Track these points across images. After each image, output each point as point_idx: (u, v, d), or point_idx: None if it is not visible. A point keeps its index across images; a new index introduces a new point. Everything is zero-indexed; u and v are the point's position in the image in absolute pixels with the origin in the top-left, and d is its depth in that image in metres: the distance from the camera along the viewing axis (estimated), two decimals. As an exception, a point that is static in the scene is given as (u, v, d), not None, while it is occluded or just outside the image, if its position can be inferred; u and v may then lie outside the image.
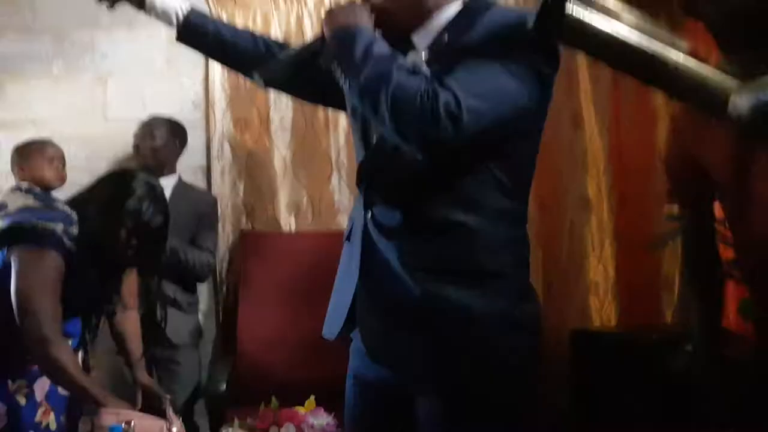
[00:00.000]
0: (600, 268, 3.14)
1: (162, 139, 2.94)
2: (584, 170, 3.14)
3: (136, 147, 2.96)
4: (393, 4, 1.29)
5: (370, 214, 1.30)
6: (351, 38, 1.20)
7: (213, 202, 3.04)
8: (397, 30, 1.30)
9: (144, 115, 3.09)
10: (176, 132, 2.99)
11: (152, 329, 2.19)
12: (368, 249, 1.29)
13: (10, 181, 3.04)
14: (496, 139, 1.22)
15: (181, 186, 2.96)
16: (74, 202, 2.09)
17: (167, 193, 2.80)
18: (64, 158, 2.34)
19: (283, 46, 1.51)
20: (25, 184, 2.21)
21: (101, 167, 3.09)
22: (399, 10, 1.29)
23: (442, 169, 1.24)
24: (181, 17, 1.52)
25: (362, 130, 1.36)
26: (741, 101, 0.83)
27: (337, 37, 1.23)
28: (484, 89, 1.16)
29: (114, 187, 2.03)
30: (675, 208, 3.04)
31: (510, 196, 1.27)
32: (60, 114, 3.15)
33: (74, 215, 2.00)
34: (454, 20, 1.28)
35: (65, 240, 1.93)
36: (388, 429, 1.34)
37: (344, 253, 1.39)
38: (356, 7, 1.26)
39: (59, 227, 1.93)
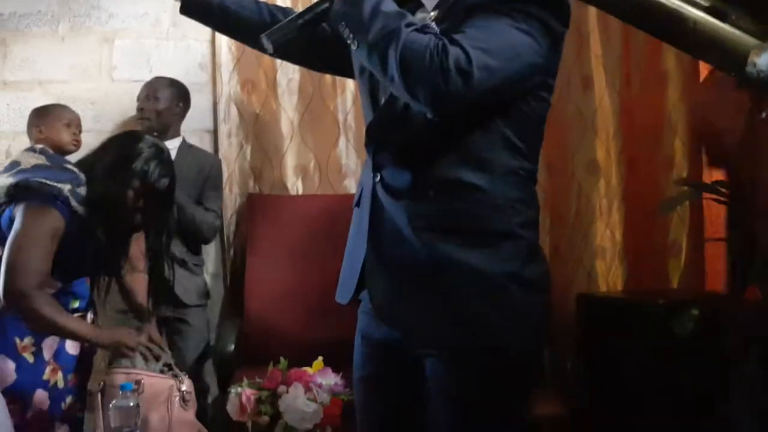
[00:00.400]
0: (607, 232, 3.14)
1: (166, 101, 2.91)
2: (593, 133, 3.12)
3: (140, 109, 2.93)
4: None
5: (378, 177, 1.29)
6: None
7: (218, 164, 3.01)
8: None
9: (150, 76, 3.06)
10: (180, 94, 2.96)
11: (161, 289, 2.20)
12: (377, 211, 1.29)
13: (17, 141, 3.05)
14: (506, 97, 1.21)
15: (185, 148, 2.95)
16: (82, 163, 2.09)
17: (172, 156, 2.81)
18: (80, 124, 2.34)
19: (287, 12, 1.48)
20: (39, 146, 2.20)
21: (108, 128, 3.10)
22: None
23: (451, 128, 1.23)
24: None
25: (370, 90, 1.35)
26: (760, 59, 0.82)
27: None
28: (495, 45, 1.14)
29: (121, 149, 2.04)
30: (683, 173, 3.04)
31: (519, 156, 1.26)
32: (66, 74, 3.13)
33: (82, 176, 2.01)
34: None
35: (72, 201, 1.93)
36: (396, 388, 1.34)
37: (354, 219, 1.39)
38: None
39: (66, 187, 1.94)
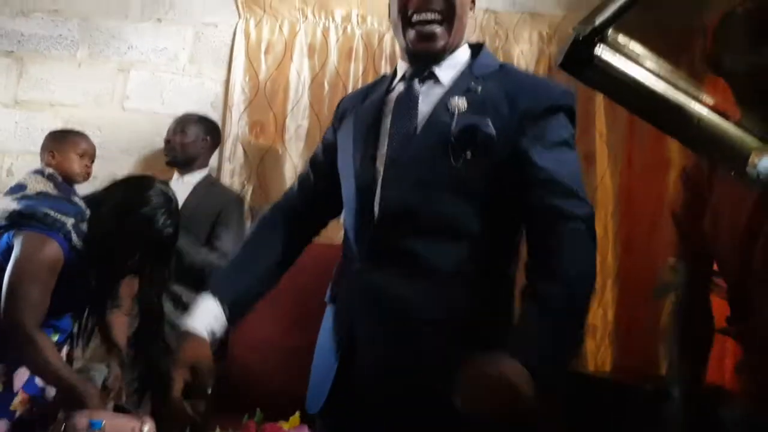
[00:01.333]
0: (599, 311, 3.12)
1: (192, 134, 2.93)
2: (592, 210, 3.13)
3: (167, 141, 2.93)
4: (458, 24, 1.40)
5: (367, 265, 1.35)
6: (557, 369, 1.22)
7: (235, 202, 2.95)
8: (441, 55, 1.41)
9: (161, 109, 3.11)
10: (207, 129, 2.98)
11: (147, 336, 2.17)
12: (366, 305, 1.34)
13: (20, 159, 3.06)
14: None
15: (207, 182, 2.94)
16: (90, 199, 2.07)
17: (188, 190, 2.82)
18: (94, 155, 2.34)
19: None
20: (49, 170, 2.19)
21: (113, 156, 3.12)
22: (456, 34, 1.42)
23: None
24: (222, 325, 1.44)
25: (363, 207, 1.38)
26: (761, 162, 0.83)
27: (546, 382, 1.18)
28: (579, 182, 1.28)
29: (130, 192, 2.02)
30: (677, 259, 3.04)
31: (500, 258, 1.34)
32: (78, 99, 3.17)
33: (88, 212, 1.99)
34: (475, 68, 1.39)
35: (73, 235, 1.92)
36: None
37: (327, 316, 1.44)
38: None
39: (70, 221, 1.92)
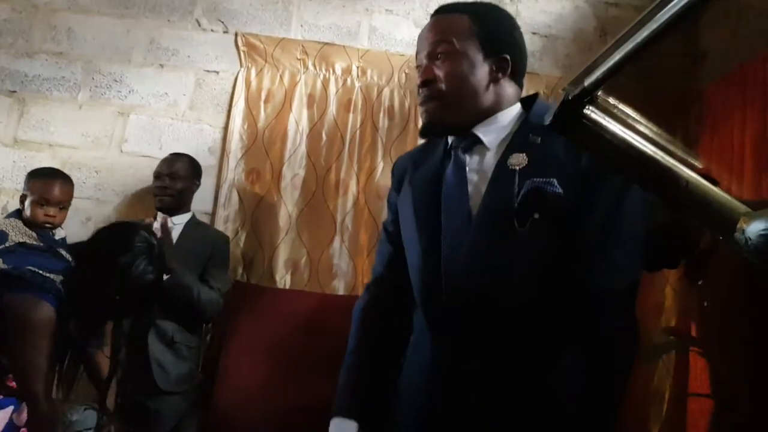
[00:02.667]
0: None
1: (186, 180, 2.93)
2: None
3: (162, 187, 2.88)
4: (452, 100, 1.33)
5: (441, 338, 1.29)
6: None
7: (223, 242, 2.95)
8: (455, 127, 1.35)
9: (160, 154, 3.11)
10: (197, 172, 3.00)
11: (137, 375, 2.14)
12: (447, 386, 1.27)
13: (16, 198, 3.06)
14: None
15: (193, 224, 2.93)
16: (74, 249, 2.07)
17: (179, 230, 2.81)
18: (62, 201, 2.25)
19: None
20: (26, 214, 2.19)
21: (108, 198, 3.12)
22: (458, 108, 1.34)
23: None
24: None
25: (431, 269, 1.31)
26: (750, 226, 0.83)
27: None
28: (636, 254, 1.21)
29: (112, 241, 2.02)
30: (672, 321, 3.02)
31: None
32: (77, 141, 3.19)
33: (72, 263, 1.99)
34: (532, 118, 1.33)
35: (62, 292, 1.93)
36: None
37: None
38: None
39: (59, 279, 1.94)
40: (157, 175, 2.92)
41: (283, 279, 3.17)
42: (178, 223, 2.88)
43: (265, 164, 3.23)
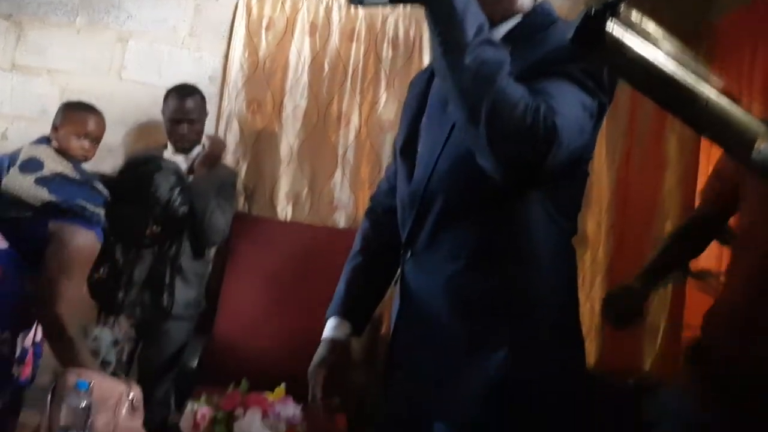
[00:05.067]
0: (587, 305, 3.13)
1: (202, 120, 2.90)
2: (587, 205, 3.14)
3: (177, 124, 2.82)
4: None
5: (409, 253, 1.27)
6: (463, 7, 1.03)
7: (233, 177, 2.95)
8: None
9: (159, 82, 3.08)
10: (205, 102, 2.95)
11: (153, 300, 2.19)
12: (406, 289, 1.27)
13: (15, 124, 3.04)
14: (558, 172, 1.11)
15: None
16: (105, 183, 2.10)
17: (189, 162, 2.81)
18: (99, 136, 2.28)
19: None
20: (55, 144, 2.19)
21: (109, 126, 3.07)
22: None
23: (501, 197, 1.17)
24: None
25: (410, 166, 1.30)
26: (765, 146, 0.82)
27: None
28: (570, 117, 1.05)
29: (143, 175, 2.06)
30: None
31: (558, 229, 1.22)
32: (75, 67, 3.14)
33: (108, 197, 2.03)
34: (515, 33, 1.21)
35: (106, 225, 1.98)
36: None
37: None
38: None
39: (103, 212, 1.98)
40: (175, 122, 2.84)
41: (284, 211, 3.18)
42: (190, 156, 2.87)
43: (266, 95, 3.19)
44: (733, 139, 0.83)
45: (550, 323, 1.19)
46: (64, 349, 1.93)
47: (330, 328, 1.42)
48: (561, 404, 1.19)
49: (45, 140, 2.19)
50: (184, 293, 2.74)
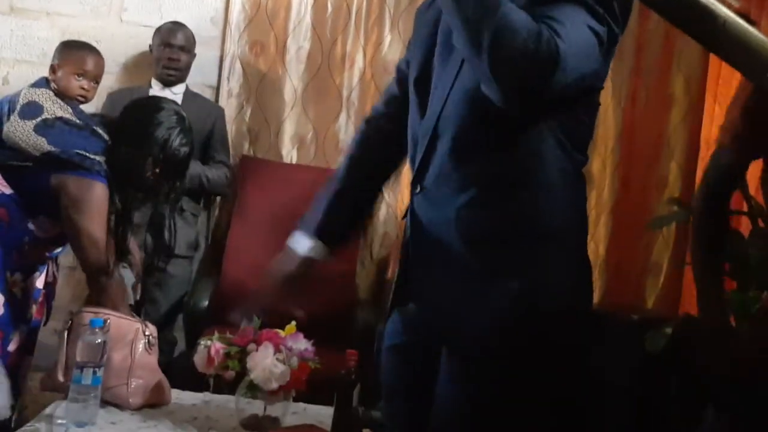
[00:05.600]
0: (591, 244, 3.15)
1: (191, 53, 2.93)
2: (591, 144, 3.12)
3: (172, 59, 2.87)
4: None
5: (418, 189, 1.26)
6: None
7: (221, 114, 3.00)
8: None
9: (160, 23, 3.04)
10: (194, 40, 2.97)
11: (160, 246, 2.21)
12: (417, 224, 1.26)
13: (16, 68, 3.01)
14: (566, 99, 1.12)
15: (189, 96, 2.93)
16: (105, 125, 2.08)
17: (178, 101, 2.79)
18: (98, 76, 2.25)
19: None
20: (53, 85, 2.16)
21: (110, 69, 3.05)
22: None
23: (512, 128, 1.17)
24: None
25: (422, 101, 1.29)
26: (782, 70, 0.82)
27: None
28: (576, 41, 1.04)
29: (143, 116, 2.04)
30: (675, 195, 3.06)
31: (568, 159, 1.20)
32: (75, 9, 3.10)
33: (109, 142, 2.02)
34: None
35: (107, 171, 1.97)
36: (418, 357, 1.30)
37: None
38: None
39: (103, 159, 1.97)
40: (167, 45, 2.88)
41: (289, 154, 3.18)
42: (177, 93, 2.86)
43: (269, 36, 3.15)
44: (749, 60, 0.83)
45: (563, 253, 1.20)
46: (104, 294, 1.96)
47: (308, 246, 1.42)
48: (571, 334, 1.21)
49: (44, 82, 2.16)
50: (186, 234, 2.80)
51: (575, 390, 1.29)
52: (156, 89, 2.87)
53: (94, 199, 1.95)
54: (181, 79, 2.92)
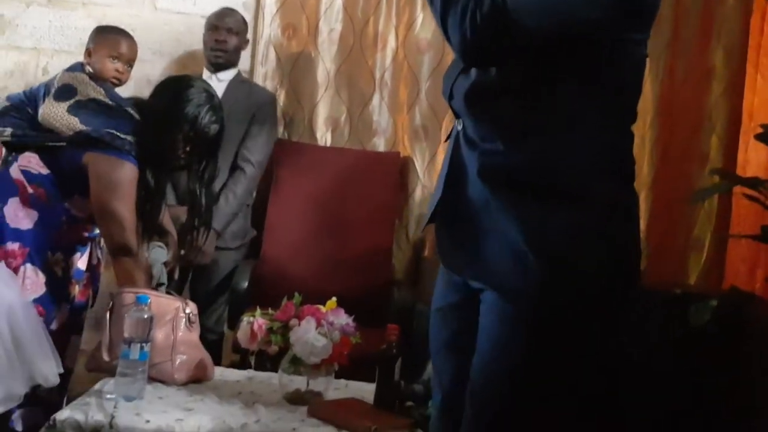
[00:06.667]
0: (631, 221, 3.11)
1: (241, 37, 2.92)
2: (630, 121, 3.08)
3: (220, 41, 2.84)
4: None
5: (461, 125, 1.28)
6: None
7: (268, 100, 2.96)
8: None
9: (194, 9, 3.07)
10: (246, 27, 2.97)
11: (197, 225, 2.22)
12: (455, 156, 1.28)
13: (56, 58, 3.07)
14: (559, 49, 1.16)
15: (238, 81, 2.92)
16: (137, 105, 2.12)
17: (223, 87, 2.81)
18: (132, 59, 2.29)
19: None
20: (88, 68, 2.20)
21: (146, 57, 3.07)
22: None
23: (511, 76, 1.20)
24: None
25: None
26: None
27: None
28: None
29: (173, 94, 2.08)
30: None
31: (595, 106, 1.20)
32: (110, -1, 3.14)
33: (139, 121, 2.06)
34: None
35: (138, 150, 2.02)
36: (459, 316, 1.33)
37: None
38: None
39: (133, 139, 2.01)
40: (214, 28, 2.87)
41: (323, 137, 3.18)
42: (223, 79, 2.87)
43: (301, 19, 3.15)
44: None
45: (588, 202, 1.18)
46: (126, 273, 2.00)
47: None
48: (595, 296, 1.18)
49: (79, 66, 2.21)
50: (233, 225, 2.79)
51: (610, 357, 1.27)
52: (205, 77, 2.87)
53: (123, 179, 1.99)
54: (231, 63, 2.89)
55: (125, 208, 1.99)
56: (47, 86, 2.15)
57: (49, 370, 1.80)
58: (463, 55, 1.21)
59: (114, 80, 2.23)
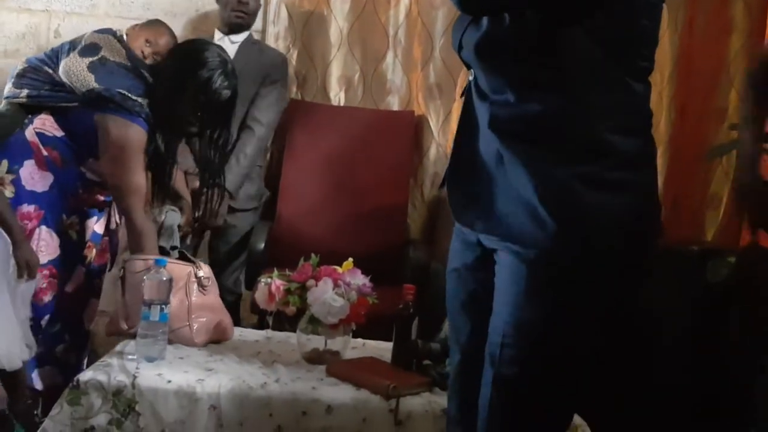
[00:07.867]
0: (647, 178, 3.08)
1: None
2: (647, 75, 3.03)
3: (244, 3, 2.81)
4: None
5: (472, 76, 1.27)
6: None
7: (282, 62, 2.94)
8: None
9: (203, -31, 3.03)
10: None
11: (210, 191, 2.23)
12: (468, 108, 1.28)
13: (66, 21, 3.05)
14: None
15: (250, 42, 2.90)
16: (152, 68, 2.12)
17: (235, 48, 2.79)
18: (160, 54, 2.29)
19: None
20: (122, 33, 2.20)
21: (157, 17, 3.07)
22: None
23: (522, 26, 1.18)
24: None
25: None
26: None
27: None
28: None
29: (186, 57, 2.07)
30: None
31: (609, 56, 1.16)
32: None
33: (152, 85, 2.06)
34: None
35: (149, 113, 2.03)
36: (475, 277, 1.33)
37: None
38: None
39: (145, 101, 2.02)
40: None
41: (337, 96, 3.16)
42: (235, 41, 2.84)
43: (313, -23, 3.11)
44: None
45: (602, 154, 1.17)
46: (134, 237, 2.01)
47: None
48: (610, 251, 1.17)
49: (110, 30, 2.21)
50: (245, 188, 2.79)
51: (629, 315, 1.27)
52: (217, 38, 2.84)
53: (130, 140, 2.00)
54: (249, 24, 2.88)
55: (130, 171, 2.00)
56: (72, 42, 2.16)
57: (12, 354, 1.80)
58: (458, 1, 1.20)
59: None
